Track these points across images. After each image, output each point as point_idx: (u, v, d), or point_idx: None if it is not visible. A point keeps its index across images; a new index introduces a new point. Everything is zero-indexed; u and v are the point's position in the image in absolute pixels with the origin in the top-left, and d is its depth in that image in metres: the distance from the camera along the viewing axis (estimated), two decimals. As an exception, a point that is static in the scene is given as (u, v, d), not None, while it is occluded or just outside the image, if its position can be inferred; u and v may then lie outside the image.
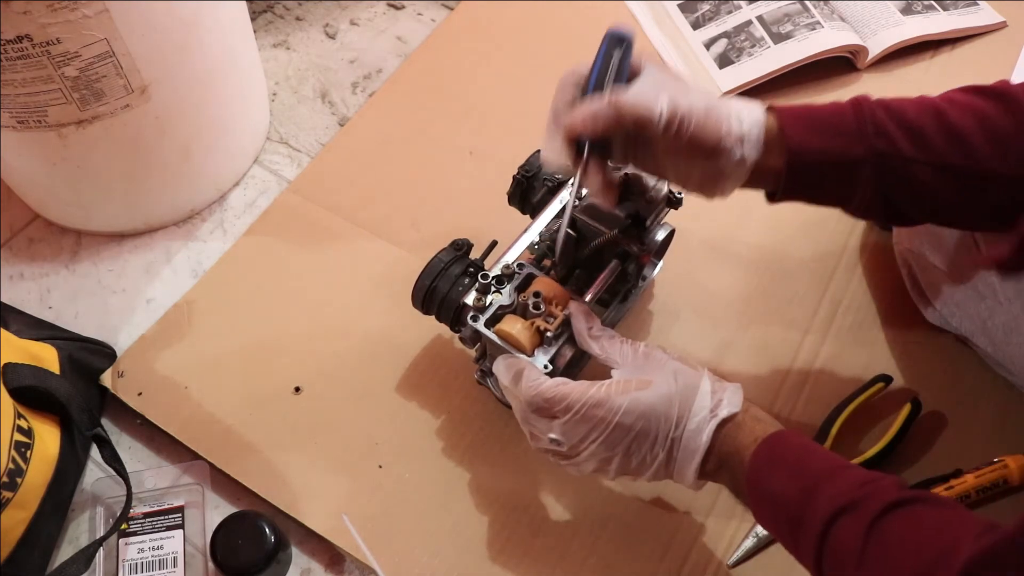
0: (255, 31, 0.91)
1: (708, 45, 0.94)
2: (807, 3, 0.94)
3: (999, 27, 0.95)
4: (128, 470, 0.66)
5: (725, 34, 0.94)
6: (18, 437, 0.61)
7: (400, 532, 0.66)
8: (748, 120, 0.54)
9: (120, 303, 0.80)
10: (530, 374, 0.56)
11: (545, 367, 0.57)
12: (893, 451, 0.67)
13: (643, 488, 0.67)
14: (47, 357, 0.68)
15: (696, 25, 0.97)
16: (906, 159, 0.53)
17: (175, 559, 0.65)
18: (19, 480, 0.60)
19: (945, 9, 0.95)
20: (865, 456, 0.67)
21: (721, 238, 0.81)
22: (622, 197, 0.62)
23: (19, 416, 0.62)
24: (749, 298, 0.77)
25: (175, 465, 0.70)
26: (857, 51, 0.91)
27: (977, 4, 0.97)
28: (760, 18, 0.94)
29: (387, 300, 0.76)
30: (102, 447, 0.67)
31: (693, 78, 0.92)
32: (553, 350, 0.58)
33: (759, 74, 0.90)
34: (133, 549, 0.65)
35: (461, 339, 0.65)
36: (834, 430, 0.67)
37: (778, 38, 0.92)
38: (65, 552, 0.67)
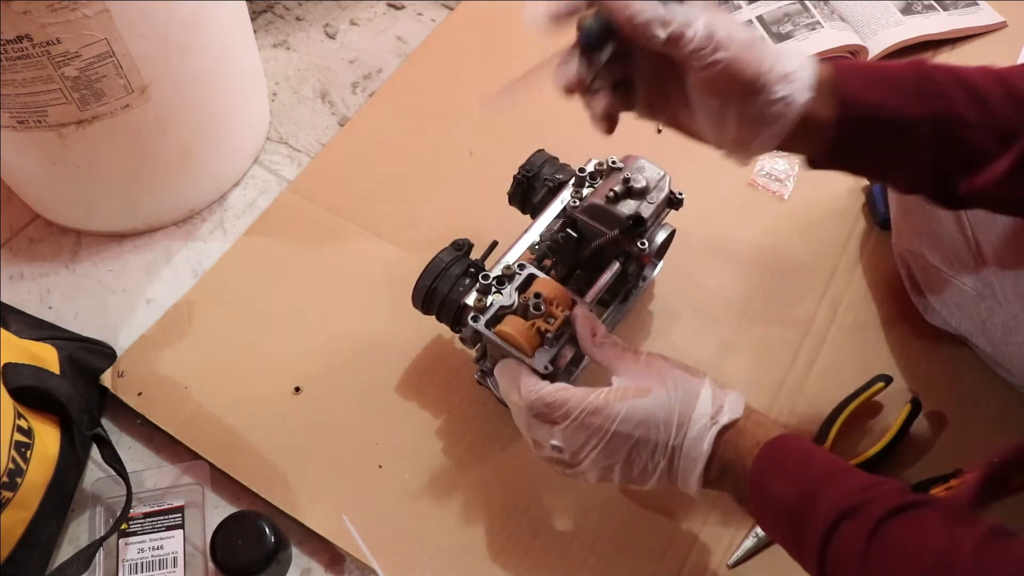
0: (255, 31, 0.91)
1: (708, 45, 0.94)
2: (807, 3, 0.94)
3: (999, 27, 0.95)
4: (128, 470, 0.66)
5: (725, 34, 0.94)
6: (18, 437, 0.61)
7: (400, 532, 0.66)
8: (797, 61, 0.49)
9: (120, 303, 0.80)
10: (530, 380, 0.56)
11: (546, 368, 0.57)
12: (893, 451, 0.67)
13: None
14: (47, 357, 0.68)
15: (696, 25, 0.97)
16: (968, 123, 0.50)
17: (175, 559, 0.65)
18: (19, 480, 0.60)
19: (945, 9, 0.95)
20: (865, 456, 0.67)
21: (721, 238, 0.81)
22: (622, 197, 0.62)
23: (19, 416, 0.62)
24: (749, 298, 0.77)
25: (175, 465, 0.70)
26: (857, 51, 0.91)
27: (977, 4, 0.97)
28: (760, 18, 0.94)
29: (387, 300, 0.76)
30: (102, 447, 0.67)
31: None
32: (554, 351, 0.58)
33: (759, 74, 0.90)
34: (133, 549, 0.65)
35: (461, 339, 0.65)
36: (834, 430, 0.67)
37: (778, 38, 0.92)
38: (65, 552, 0.66)
